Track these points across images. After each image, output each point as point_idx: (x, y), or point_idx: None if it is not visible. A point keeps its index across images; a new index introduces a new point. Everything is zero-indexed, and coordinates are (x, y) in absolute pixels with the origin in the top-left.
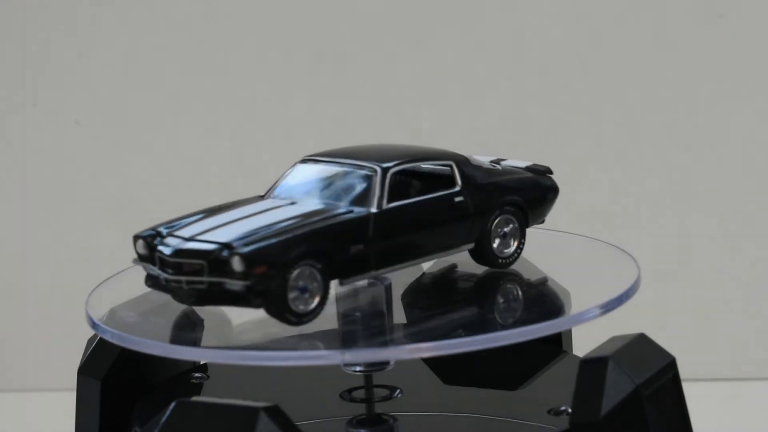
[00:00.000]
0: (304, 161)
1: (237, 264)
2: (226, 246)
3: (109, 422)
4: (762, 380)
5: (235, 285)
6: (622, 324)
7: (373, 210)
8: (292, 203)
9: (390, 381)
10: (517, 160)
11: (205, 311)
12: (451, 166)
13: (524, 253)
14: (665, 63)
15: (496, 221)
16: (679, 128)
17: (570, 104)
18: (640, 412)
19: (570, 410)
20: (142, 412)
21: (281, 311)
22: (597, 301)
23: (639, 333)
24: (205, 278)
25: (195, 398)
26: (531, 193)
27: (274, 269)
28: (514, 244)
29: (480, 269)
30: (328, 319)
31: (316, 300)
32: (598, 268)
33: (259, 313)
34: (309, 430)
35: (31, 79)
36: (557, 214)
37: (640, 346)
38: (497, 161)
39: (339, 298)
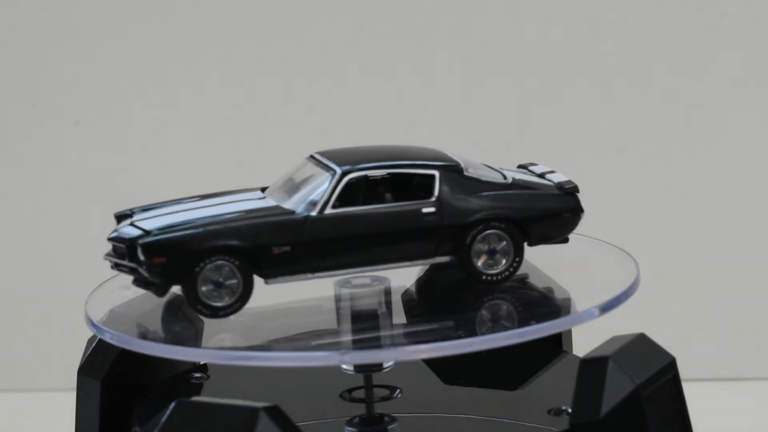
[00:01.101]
0: (309, 158)
1: (140, 253)
2: (145, 234)
3: (109, 422)
4: (762, 380)
5: (144, 272)
6: (622, 324)
7: (313, 214)
8: (261, 198)
9: (390, 381)
10: (555, 173)
11: None
12: (434, 175)
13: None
14: (665, 63)
15: (479, 236)
16: (679, 127)
17: (570, 103)
18: (640, 412)
19: (570, 410)
20: (142, 412)
21: (193, 303)
22: (596, 301)
23: (639, 333)
24: (126, 263)
25: (195, 398)
26: (535, 211)
27: (175, 261)
28: (504, 262)
29: None
30: (328, 320)
31: (235, 296)
32: (597, 268)
33: (259, 314)
34: (309, 430)
35: (31, 79)
36: None
37: (640, 346)
38: (527, 168)
39: (339, 299)
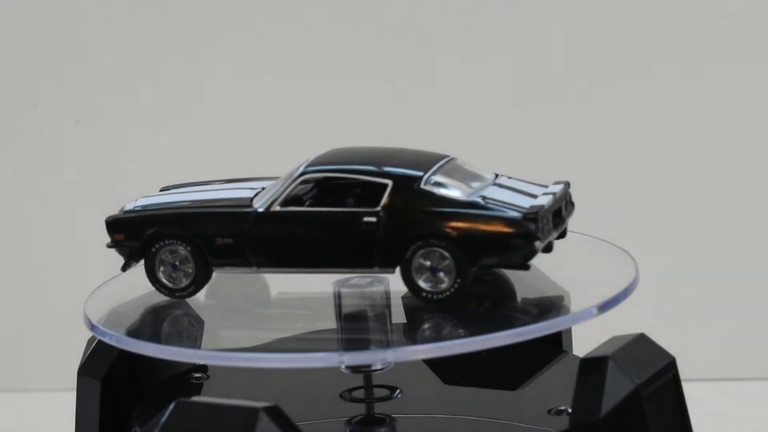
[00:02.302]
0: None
1: (107, 228)
2: (123, 211)
3: (109, 422)
4: (762, 380)
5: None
6: (622, 324)
7: (260, 209)
8: (251, 189)
9: (390, 381)
10: (544, 197)
11: (205, 311)
12: (386, 185)
13: None
14: (665, 63)
15: (420, 252)
16: (679, 127)
17: (570, 103)
18: (639, 412)
19: (570, 410)
20: (141, 412)
21: (152, 281)
22: (595, 300)
23: (639, 333)
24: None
25: (195, 398)
26: (477, 232)
27: (130, 239)
28: (446, 282)
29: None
30: (328, 320)
31: (189, 279)
32: (596, 267)
33: (259, 314)
34: (309, 430)
35: (31, 79)
36: None
37: (640, 346)
38: (541, 185)
39: (338, 299)
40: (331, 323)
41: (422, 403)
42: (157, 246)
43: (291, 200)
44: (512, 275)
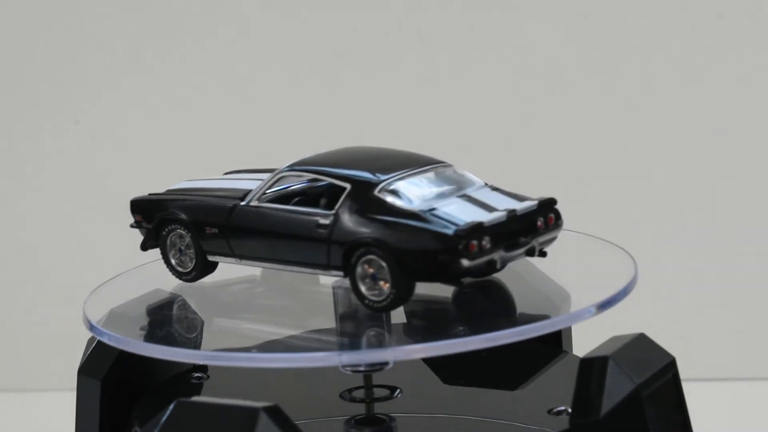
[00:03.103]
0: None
1: (130, 208)
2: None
3: (109, 422)
4: (762, 380)
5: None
6: (622, 324)
7: (241, 203)
8: (252, 180)
9: (390, 381)
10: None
11: (205, 311)
12: (345, 189)
13: None
14: (665, 63)
15: (362, 259)
16: (680, 127)
17: (570, 104)
18: (639, 412)
19: (570, 410)
20: (141, 411)
21: (165, 263)
22: (594, 299)
23: (639, 333)
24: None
25: (195, 398)
26: (405, 244)
27: (146, 221)
28: (384, 291)
29: None
30: (327, 320)
31: (192, 264)
32: (595, 266)
33: (259, 314)
34: (309, 430)
35: (31, 79)
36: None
37: (640, 346)
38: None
39: (338, 298)
40: (330, 323)
41: (422, 403)
42: (166, 230)
43: (279, 197)
44: (512, 275)
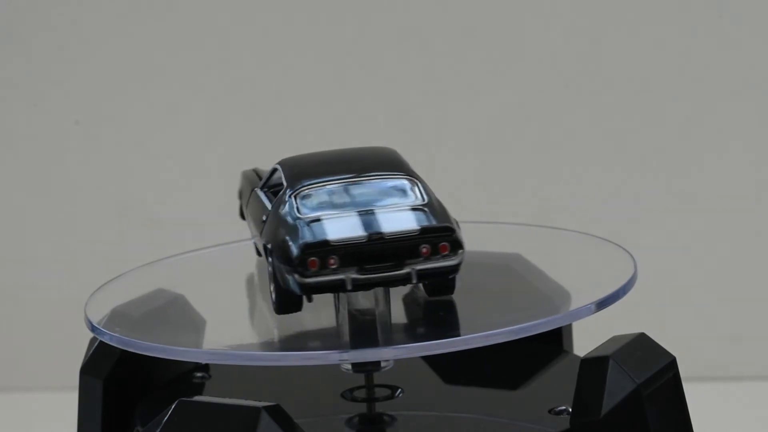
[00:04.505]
0: None
1: None
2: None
3: (111, 422)
4: (762, 380)
5: None
6: (623, 324)
7: (257, 189)
8: None
9: (391, 380)
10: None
11: (205, 310)
12: (284, 188)
13: (522, 251)
14: (665, 62)
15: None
16: (680, 127)
17: (570, 102)
18: (640, 412)
19: (570, 410)
20: (144, 411)
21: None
22: (593, 297)
23: (639, 333)
24: None
25: (197, 398)
26: (277, 252)
27: (240, 196)
28: (273, 292)
29: (477, 268)
30: (329, 319)
31: None
32: (594, 265)
33: (259, 313)
34: (310, 430)
35: (31, 79)
36: (557, 213)
37: (641, 345)
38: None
39: (338, 297)
40: (332, 322)
41: (423, 403)
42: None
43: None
44: (512, 274)
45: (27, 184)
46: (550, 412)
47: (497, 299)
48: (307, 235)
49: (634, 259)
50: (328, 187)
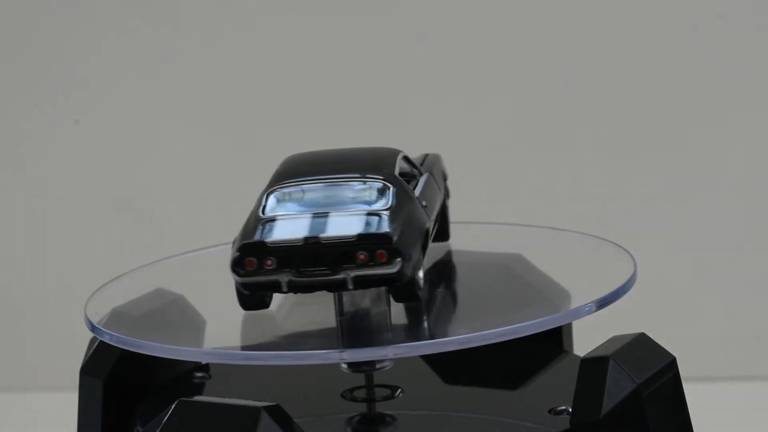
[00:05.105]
0: None
1: None
2: None
3: (111, 422)
4: (762, 380)
5: None
6: (623, 324)
7: None
8: None
9: (391, 380)
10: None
11: (205, 310)
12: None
13: (522, 250)
14: (665, 62)
15: None
16: (680, 127)
17: (569, 102)
18: (640, 412)
19: (570, 410)
20: (144, 411)
21: None
22: (593, 296)
23: (639, 333)
24: None
25: (197, 398)
26: (233, 249)
27: None
28: None
29: (477, 268)
30: (329, 318)
31: None
32: (594, 265)
33: (259, 312)
34: (310, 430)
35: (31, 79)
36: (557, 213)
37: (641, 345)
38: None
39: (338, 297)
40: (332, 322)
41: (423, 403)
42: None
43: None
44: (512, 273)
45: (27, 184)
46: (550, 412)
47: (497, 299)
48: (250, 235)
49: (634, 259)
50: (301, 186)
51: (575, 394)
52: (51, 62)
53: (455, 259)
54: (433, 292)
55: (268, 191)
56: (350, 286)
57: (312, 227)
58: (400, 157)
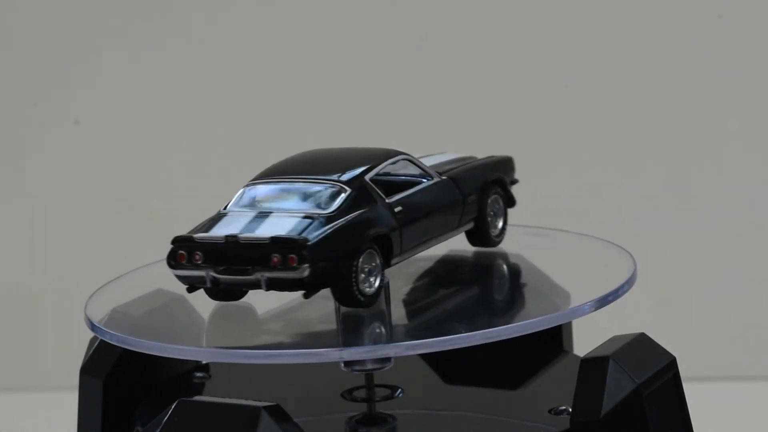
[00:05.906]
0: None
1: None
2: None
3: (111, 422)
4: (762, 380)
5: None
6: (623, 324)
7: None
8: None
9: (391, 380)
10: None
11: (205, 310)
12: None
13: (521, 250)
14: (665, 62)
15: None
16: (680, 127)
17: (569, 102)
18: (640, 412)
19: (570, 410)
20: (143, 411)
21: None
22: (592, 296)
23: (639, 333)
24: None
25: (197, 398)
26: None
27: None
28: None
29: (478, 268)
30: (329, 318)
31: None
32: (594, 264)
33: (259, 312)
34: (310, 430)
35: (31, 79)
36: (556, 212)
37: (641, 345)
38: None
39: None
40: (332, 321)
41: (423, 403)
42: None
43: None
44: (512, 273)
45: (27, 184)
46: (550, 412)
47: (497, 299)
48: (198, 229)
49: (633, 259)
50: (269, 185)
51: (575, 394)
52: (51, 62)
53: (455, 259)
54: (433, 292)
55: (245, 186)
56: (264, 288)
57: (245, 226)
58: (393, 159)
